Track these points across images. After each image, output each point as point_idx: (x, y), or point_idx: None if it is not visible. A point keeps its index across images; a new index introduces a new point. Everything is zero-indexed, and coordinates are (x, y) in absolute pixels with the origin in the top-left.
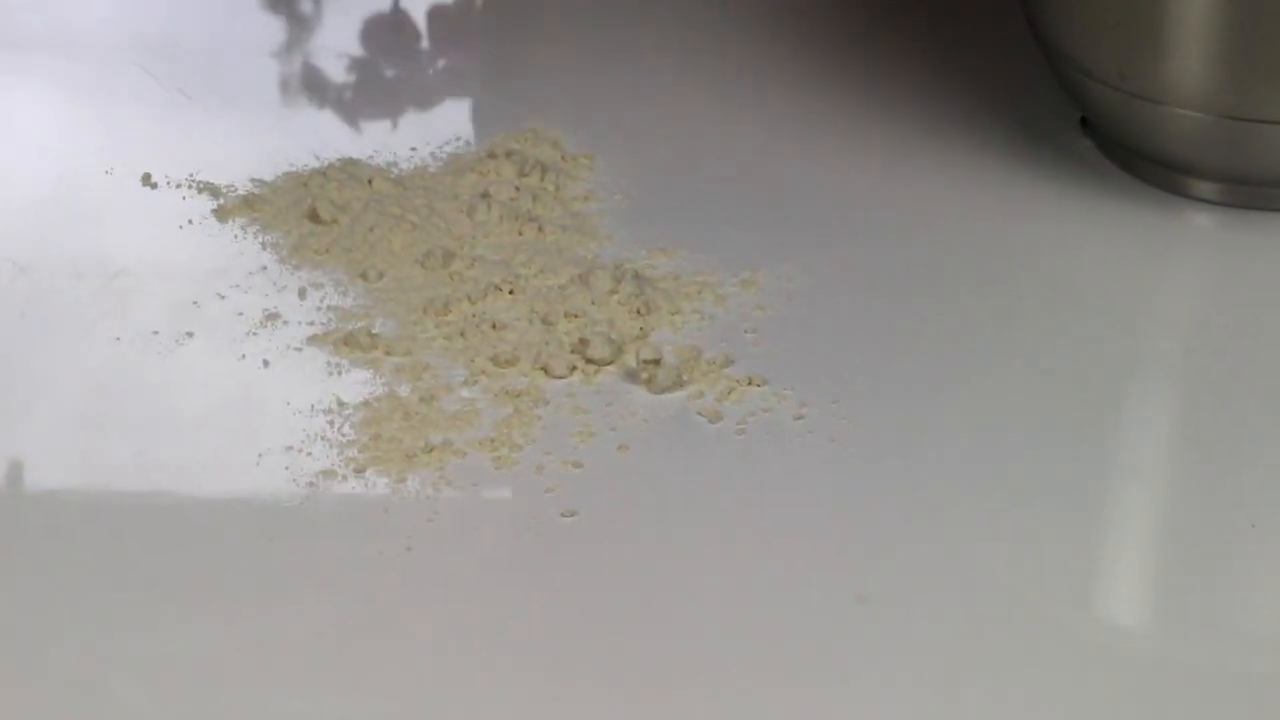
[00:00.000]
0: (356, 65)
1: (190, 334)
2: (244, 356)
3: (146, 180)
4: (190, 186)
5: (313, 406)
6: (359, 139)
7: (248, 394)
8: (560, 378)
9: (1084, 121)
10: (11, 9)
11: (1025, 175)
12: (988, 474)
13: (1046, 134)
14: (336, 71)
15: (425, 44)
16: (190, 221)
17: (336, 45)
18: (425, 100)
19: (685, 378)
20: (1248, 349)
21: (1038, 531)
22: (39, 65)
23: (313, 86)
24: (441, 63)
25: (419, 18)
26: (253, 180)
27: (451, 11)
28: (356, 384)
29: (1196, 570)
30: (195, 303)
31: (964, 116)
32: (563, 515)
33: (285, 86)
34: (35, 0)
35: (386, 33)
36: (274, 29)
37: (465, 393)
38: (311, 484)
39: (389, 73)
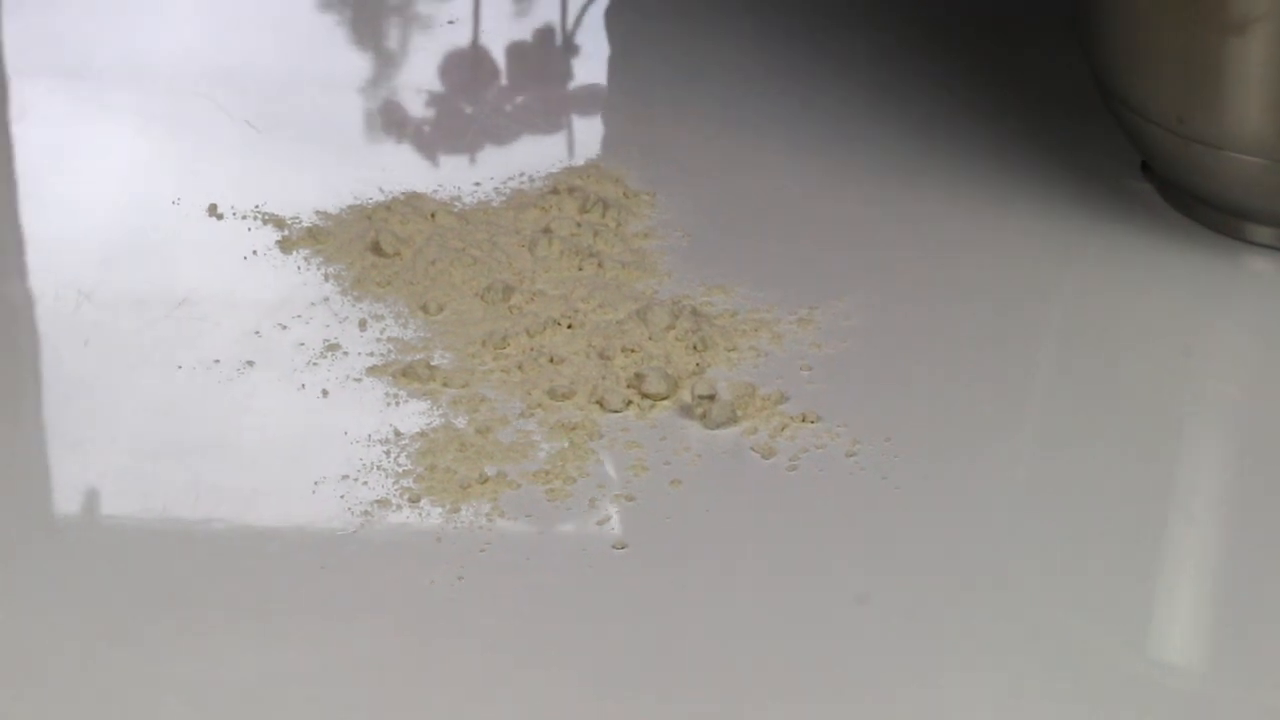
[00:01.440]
0: (430, 101)
1: (251, 363)
2: (303, 386)
3: (213, 211)
4: (256, 218)
5: (370, 436)
6: (424, 173)
7: (306, 423)
8: (615, 412)
9: (1144, 166)
10: (84, 41)
11: (1084, 218)
12: (1040, 514)
13: (1106, 177)
14: (412, 107)
15: (504, 81)
16: (255, 252)
17: (411, 80)
18: (490, 136)
19: (739, 413)
20: None
21: (1090, 572)
22: (110, 97)
23: (390, 121)
24: (520, 99)
25: (496, 54)
26: (317, 212)
27: (531, 49)
28: (414, 415)
29: (1250, 615)
30: (257, 332)
31: (1024, 159)
32: (614, 548)
33: (353, 120)
34: (107, 32)
35: (463, 68)
36: (343, 62)
37: (521, 425)
38: (366, 513)
39: (461, 109)
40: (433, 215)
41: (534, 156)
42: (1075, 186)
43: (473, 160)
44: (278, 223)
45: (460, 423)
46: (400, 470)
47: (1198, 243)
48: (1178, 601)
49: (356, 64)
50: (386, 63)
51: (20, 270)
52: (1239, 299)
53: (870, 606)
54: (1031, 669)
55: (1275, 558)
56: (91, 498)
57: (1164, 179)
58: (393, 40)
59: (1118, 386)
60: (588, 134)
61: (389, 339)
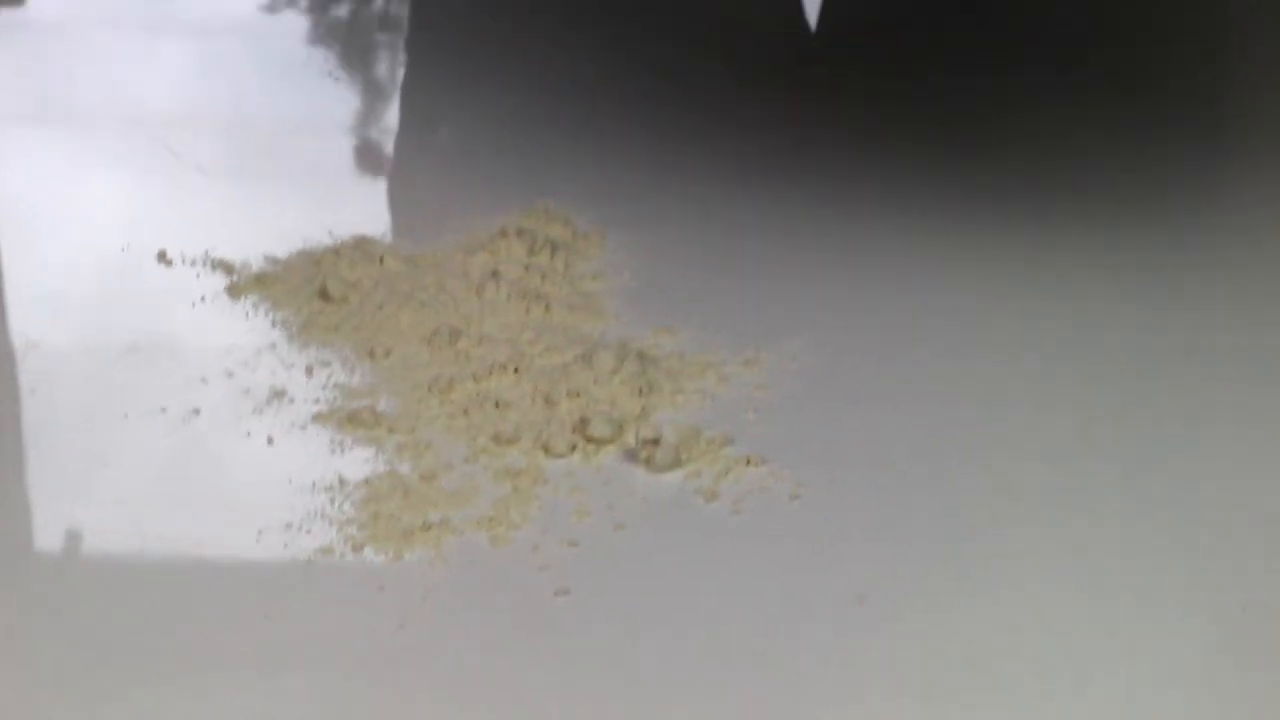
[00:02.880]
0: (381, 154)
1: (197, 411)
2: (249, 434)
3: (161, 257)
4: (204, 263)
5: (314, 484)
6: (374, 217)
7: (251, 471)
8: (560, 456)
9: None
10: (36, 86)
11: (1039, 262)
12: (983, 557)
13: (1038, 210)
14: (362, 161)
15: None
16: (203, 298)
17: (367, 125)
18: (442, 178)
19: (684, 457)
20: None
21: (1034, 618)
22: (61, 139)
23: (365, 161)
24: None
25: None
26: (266, 257)
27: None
28: (358, 461)
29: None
30: (204, 379)
31: (972, 200)
32: (556, 594)
33: (303, 163)
34: (59, 77)
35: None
36: (296, 105)
37: (465, 471)
38: (309, 561)
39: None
40: (381, 259)
41: (483, 199)
42: (1018, 226)
43: (415, 203)
44: (226, 268)
45: (405, 469)
46: (344, 518)
47: None
48: (1128, 652)
49: (305, 108)
50: (336, 108)
51: None
52: None
53: (814, 645)
54: (978, 708)
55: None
56: (35, 545)
57: None
58: (343, 86)
59: (1062, 426)
60: (539, 174)
61: (335, 385)
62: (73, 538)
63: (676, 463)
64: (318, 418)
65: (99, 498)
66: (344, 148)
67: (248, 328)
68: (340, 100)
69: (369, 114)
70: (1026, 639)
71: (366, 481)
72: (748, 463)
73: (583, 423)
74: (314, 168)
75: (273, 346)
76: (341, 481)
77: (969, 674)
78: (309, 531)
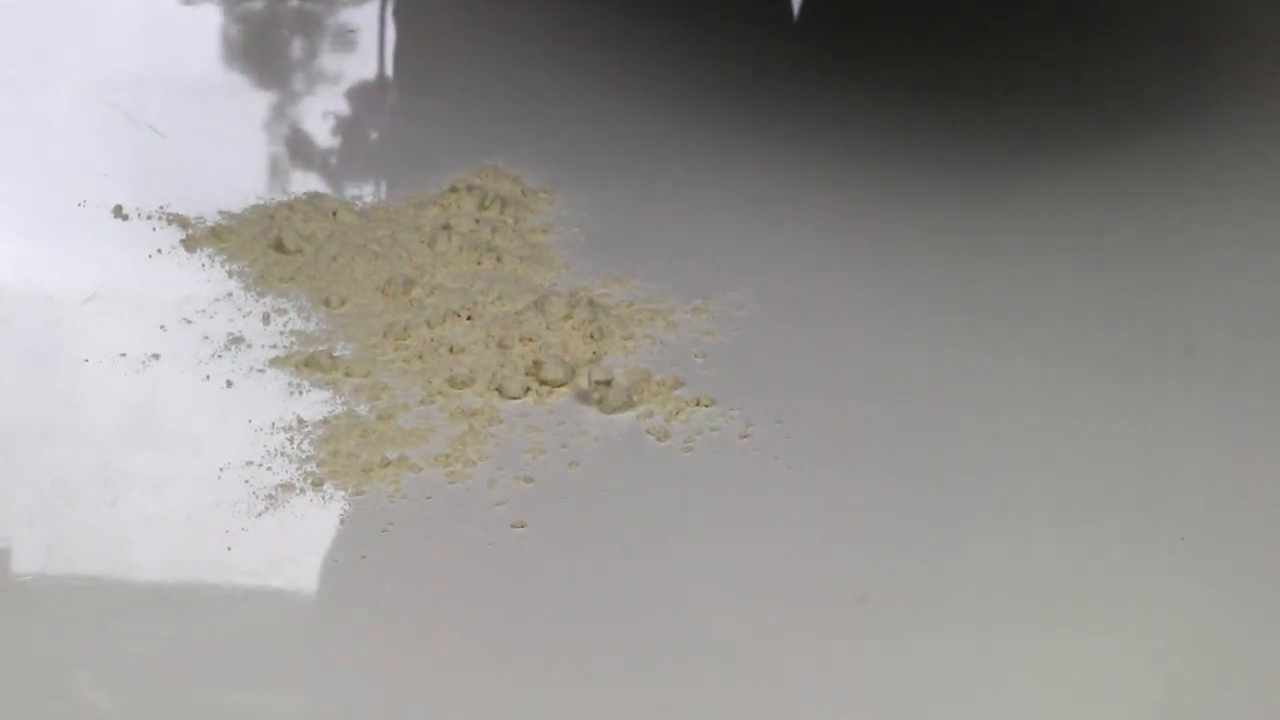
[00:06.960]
0: (332, 114)
1: (156, 356)
2: (208, 377)
3: (118, 212)
4: (160, 218)
5: (274, 424)
6: (326, 175)
7: (211, 412)
8: (514, 398)
9: None
10: None
11: (978, 204)
12: (925, 491)
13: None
14: (314, 120)
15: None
16: (159, 251)
17: (313, 91)
18: (392, 139)
19: (635, 398)
20: None
21: (974, 548)
22: (16, 104)
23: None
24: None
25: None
26: (221, 212)
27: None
28: (316, 403)
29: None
30: (162, 327)
31: (916, 148)
32: (512, 526)
33: (255, 123)
34: (13, 41)
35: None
36: (243, 69)
37: (422, 412)
38: (270, 496)
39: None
40: (334, 213)
41: (432, 157)
42: (966, 176)
43: (366, 163)
44: (182, 223)
45: (362, 410)
46: (304, 456)
47: None
48: (1057, 579)
49: (247, 70)
50: (289, 71)
51: None
52: None
53: (760, 570)
54: (915, 650)
55: None
56: (2, 485)
57: None
58: (296, 49)
59: (1006, 367)
60: (487, 134)
61: (292, 332)
62: (38, 475)
63: (628, 404)
64: (275, 362)
65: (63, 438)
66: (293, 110)
67: (204, 278)
68: (288, 66)
69: (316, 78)
70: (959, 591)
71: (325, 421)
72: (697, 403)
73: (536, 366)
74: (263, 129)
75: (229, 295)
76: (300, 422)
77: (917, 611)
78: (269, 469)
